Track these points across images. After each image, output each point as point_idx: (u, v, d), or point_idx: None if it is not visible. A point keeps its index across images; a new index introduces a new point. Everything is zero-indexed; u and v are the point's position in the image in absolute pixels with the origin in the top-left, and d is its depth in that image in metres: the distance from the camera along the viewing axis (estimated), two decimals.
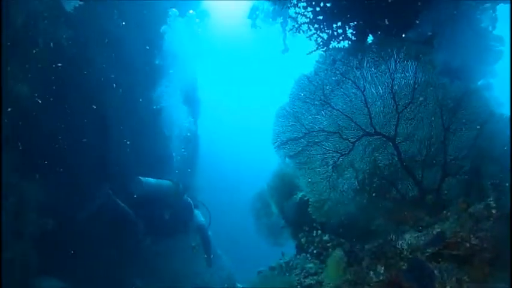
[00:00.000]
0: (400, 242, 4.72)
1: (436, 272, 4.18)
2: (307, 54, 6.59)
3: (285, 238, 8.44)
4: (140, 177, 9.56)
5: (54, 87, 8.82)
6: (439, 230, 4.53)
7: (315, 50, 6.48)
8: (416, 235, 4.72)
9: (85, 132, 10.06)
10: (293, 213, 7.33)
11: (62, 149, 9.42)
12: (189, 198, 10.83)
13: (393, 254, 4.69)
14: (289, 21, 9.23)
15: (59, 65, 8.92)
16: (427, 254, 4.36)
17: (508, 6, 5.84)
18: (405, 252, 4.61)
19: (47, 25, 8.64)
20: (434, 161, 5.89)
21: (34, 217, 8.06)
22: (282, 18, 11.03)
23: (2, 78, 7.60)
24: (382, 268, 4.71)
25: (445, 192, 5.78)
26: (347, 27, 6.44)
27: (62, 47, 9.04)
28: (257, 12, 12.63)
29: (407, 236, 4.78)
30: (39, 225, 8.18)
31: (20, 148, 8.11)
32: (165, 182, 10.21)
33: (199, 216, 11.14)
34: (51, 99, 8.74)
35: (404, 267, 4.47)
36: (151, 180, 9.78)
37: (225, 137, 41.59)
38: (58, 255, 8.74)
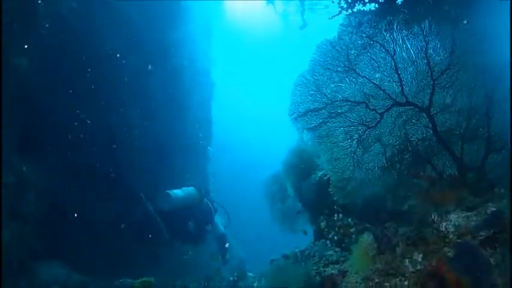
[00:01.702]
0: (445, 224, 3.82)
1: (491, 260, 3.27)
2: (329, 18, 5.79)
3: (301, 224, 7.73)
4: (168, 192, 9.09)
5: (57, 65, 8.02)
6: (494, 209, 3.62)
7: (338, 14, 5.66)
8: (465, 215, 3.81)
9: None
10: (312, 194, 6.51)
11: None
12: (209, 203, 10.35)
13: (435, 239, 3.79)
14: None
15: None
16: (481, 238, 3.45)
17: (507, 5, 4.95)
18: (451, 236, 3.71)
19: None
20: (475, 135, 5.04)
21: (32, 198, 7.31)
22: None
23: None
24: (420, 256, 3.81)
25: (489, 170, 4.87)
26: None
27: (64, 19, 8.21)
28: None
29: (453, 217, 3.87)
30: (40, 207, 7.44)
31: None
32: (190, 191, 9.76)
33: (219, 224, 10.71)
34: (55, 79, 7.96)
35: (450, 254, 3.56)
36: (178, 193, 9.30)
37: (239, 122, 40.97)
38: (73, 244, 8.18)
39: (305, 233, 7.50)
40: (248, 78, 42.92)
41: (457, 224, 3.76)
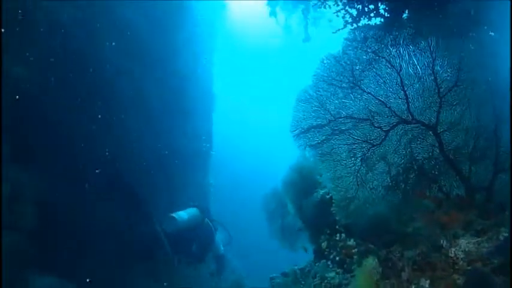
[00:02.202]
0: (454, 250, 3.60)
1: None
2: (334, 32, 5.65)
3: (301, 242, 7.49)
4: (174, 215, 9.13)
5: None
6: (506, 234, 3.41)
7: (342, 28, 5.50)
8: (475, 240, 3.60)
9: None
10: (313, 213, 6.29)
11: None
12: (209, 222, 10.34)
13: (444, 265, 3.58)
14: None
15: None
16: (493, 266, 3.24)
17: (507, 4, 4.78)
18: (461, 263, 3.50)
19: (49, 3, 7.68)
20: (483, 155, 4.84)
21: (27, 207, 7.11)
22: (303, 4, 10.02)
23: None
24: (427, 282, 3.59)
25: (497, 191, 4.66)
26: (379, 1, 5.39)
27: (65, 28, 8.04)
28: None
29: (462, 242, 3.66)
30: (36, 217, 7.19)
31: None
32: (193, 213, 9.80)
33: (219, 244, 10.80)
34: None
35: (459, 281, 3.35)
36: (183, 216, 9.32)
37: (239, 134, 40.76)
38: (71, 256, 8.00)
39: (305, 250, 7.29)
40: (250, 89, 42.75)
41: (467, 249, 3.55)
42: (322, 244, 5.82)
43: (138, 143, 10.21)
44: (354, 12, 5.50)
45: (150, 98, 10.81)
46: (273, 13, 12.05)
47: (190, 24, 13.04)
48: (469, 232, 3.82)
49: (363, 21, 5.50)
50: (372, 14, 5.49)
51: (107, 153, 8.95)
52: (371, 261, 4.34)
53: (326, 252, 5.75)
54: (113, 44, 9.29)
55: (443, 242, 3.73)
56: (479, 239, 3.61)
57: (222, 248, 10.80)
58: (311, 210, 6.33)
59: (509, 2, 4.69)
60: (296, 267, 7.00)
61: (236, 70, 37.06)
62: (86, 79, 8.46)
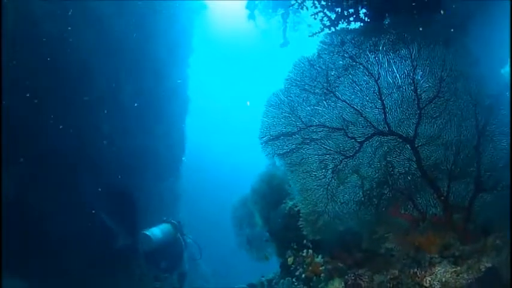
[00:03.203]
0: (429, 279, 3.19)
1: None
2: (310, 36, 5.25)
3: (269, 253, 7.13)
4: (149, 234, 9.11)
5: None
6: (489, 265, 3.00)
7: (319, 32, 5.11)
8: (453, 270, 3.19)
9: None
10: (280, 225, 5.86)
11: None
12: (181, 238, 10.22)
13: None
14: None
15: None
16: None
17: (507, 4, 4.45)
18: None
19: None
20: (464, 172, 4.44)
21: None
22: (283, 8, 9.62)
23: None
24: None
25: (478, 211, 4.26)
26: (360, 5, 5.04)
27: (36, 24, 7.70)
28: (256, 2, 11.17)
29: (439, 270, 3.25)
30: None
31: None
32: (167, 230, 9.78)
33: (185, 261, 10.58)
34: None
35: None
36: (158, 235, 9.31)
37: (215, 137, 40.43)
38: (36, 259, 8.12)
39: (266, 258, 6.95)
40: (226, 92, 42.42)
41: (443, 280, 3.15)
42: (289, 259, 5.41)
43: (107, 142, 9.96)
44: (333, 15, 5.12)
45: (121, 97, 10.40)
46: (251, 16, 11.63)
47: (166, 24, 12.59)
48: (446, 258, 3.40)
49: (341, 25, 5.12)
50: (351, 19, 5.11)
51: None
52: (337, 285, 3.92)
53: (292, 268, 5.34)
54: (86, 41, 8.96)
55: (418, 268, 3.31)
56: (458, 268, 3.21)
57: (187, 267, 10.63)
58: (279, 222, 5.91)
59: (509, 2, 4.48)
60: (264, 279, 6.86)
61: (212, 72, 36.70)
62: (55, 78, 8.20)
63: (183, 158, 15.24)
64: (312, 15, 5.22)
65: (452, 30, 4.66)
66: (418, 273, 3.32)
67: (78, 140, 8.90)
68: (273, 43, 11.97)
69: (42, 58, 7.75)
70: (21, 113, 7.42)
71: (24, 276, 7.75)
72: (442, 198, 4.37)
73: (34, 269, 8.01)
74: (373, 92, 4.60)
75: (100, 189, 9.35)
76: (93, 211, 9.20)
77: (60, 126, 8.24)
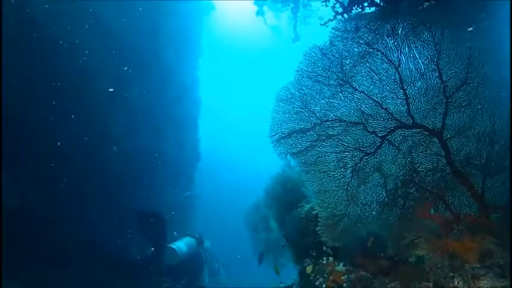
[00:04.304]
0: None
1: None
2: (322, 24, 4.75)
3: (286, 258, 6.71)
4: (175, 248, 9.24)
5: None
6: None
7: (332, 20, 4.57)
8: (502, 285, 2.66)
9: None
10: (296, 231, 5.38)
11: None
12: (202, 253, 10.44)
13: None
14: None
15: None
16: None
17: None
18: None
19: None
20: (500, 166, 3.92)
21: None
22: (292, 2, 9.19)
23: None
24: None
25: None
26: None
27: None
28: None
29: (485, 285, 2.72)
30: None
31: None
32: (192, 244, 9.94)
33: (206, 276, 10.76)
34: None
35: None
36: (183, 249, 9.46)
37: (227, 140, 40.18)
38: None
39: (277, 273, 6.88)
40: (237, 93, 42.01)
41: None
42: (307, 268, 4.92)
43: (119, 147, 9.73)
44: (346, 1, 4.63)
45: (131, 100, 10.05)
46: (260, 12, 11.22)
47: (175, 25, 12.22)
48: (491, 270, 2.88)
49: (355, 11, 4.64)
50: (365, 4, 4.61)
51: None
52: None
53: (311, 278, 4.84)
54: (95, 44, 8.77)
55: (458, 283, 2.80)
56: (506, 281, 2.68)
57: (206, 281, 10.68)
58: (295, 227, 5.44)
59: (509, 2, 3.91)
60: (282, 285, 6.46)
61: (223, 73, 36.31)
62: (64, 81, 7.99)
63: (198, 163, 15.06)
64: (323, 1, 4.74)
65: (477, 10, 4.15)
66: (458, 286, 2.81)
67: (86, 143, 8.65)
68: (283, 39, 11.58)
69: (48, 59, 7.53)
70: (27, 115, 7.24)
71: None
72: (477, 196, 3.86)
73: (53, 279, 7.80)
74: (394, 81, 4.13)
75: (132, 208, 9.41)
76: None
77: (73, 118, 8.17)
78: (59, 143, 7.78)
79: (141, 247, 9.52)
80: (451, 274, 2.96)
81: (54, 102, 7.66)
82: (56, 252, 7.91)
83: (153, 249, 9.31)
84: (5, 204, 6.72)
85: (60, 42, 7.82)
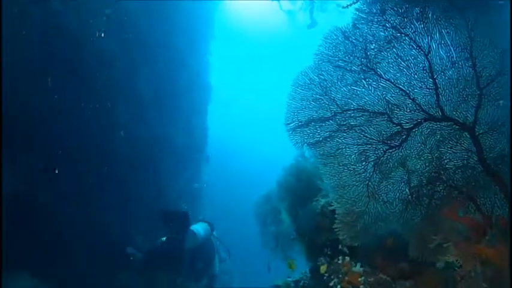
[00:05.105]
0: None
1: None
2: (344, 7, 4.41)
3: (296, 252, 6.40)
4: (194, 231, 9.00)
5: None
6: None
7: (355, 2, 4.23)
8: None
9: None
10: (310, 226, 5.07)
11: None
12: (213, 240, 10.12)
13: None
14: None
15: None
16: None
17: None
18: None
19: None
20: None
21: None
22: None
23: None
24: None
25: None
26: None
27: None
28: None
29: None
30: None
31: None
32: (207, 229, 9.66)
33: (217, 263, 10.41)
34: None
35: None
36: (201, 232, 9.19)
37: (239, 129, 40.00)
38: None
39: (291, 267, 6.52)
40: (249, 81, 41.59)
41: None
42: (321, 268, 4.64)
43: (126, 133, 9.58)
44: None
45: (140, 87, 9.86)
46: None
47: (186, 10, 11.96)
48: None
49: None
50: None
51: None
52: None
53: (325, 278, 4.55)
54: (104, 30, 8.57)
55: None
56: None
57: (217, 269, 10.36)
58: (308, 222, 5.14)
59: (509, 2, 3.72)
60: (290, 279, 6.25)
61: (235, 60, 35.88)
62: (74, 69, 7.87)
63: (208, 154, 14.88)
64: None
65: None
66: None
67: (92, 132, 8.48)
68: (298, 26, 11.27)
69: (57, 50, 7.31)
70: (34, 100, 7.02)
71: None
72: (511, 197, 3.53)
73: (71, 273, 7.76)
74: (423, 69, 3.77)
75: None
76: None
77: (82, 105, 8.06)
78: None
79: (151, 237, 9.31)
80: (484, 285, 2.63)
81: (63, 87, 7.50)
82: (62, 241, 7.76)
83: (163, 239, 9.06)
84: (6, 193, 6.54)
85: (72, 30, 7.64)
